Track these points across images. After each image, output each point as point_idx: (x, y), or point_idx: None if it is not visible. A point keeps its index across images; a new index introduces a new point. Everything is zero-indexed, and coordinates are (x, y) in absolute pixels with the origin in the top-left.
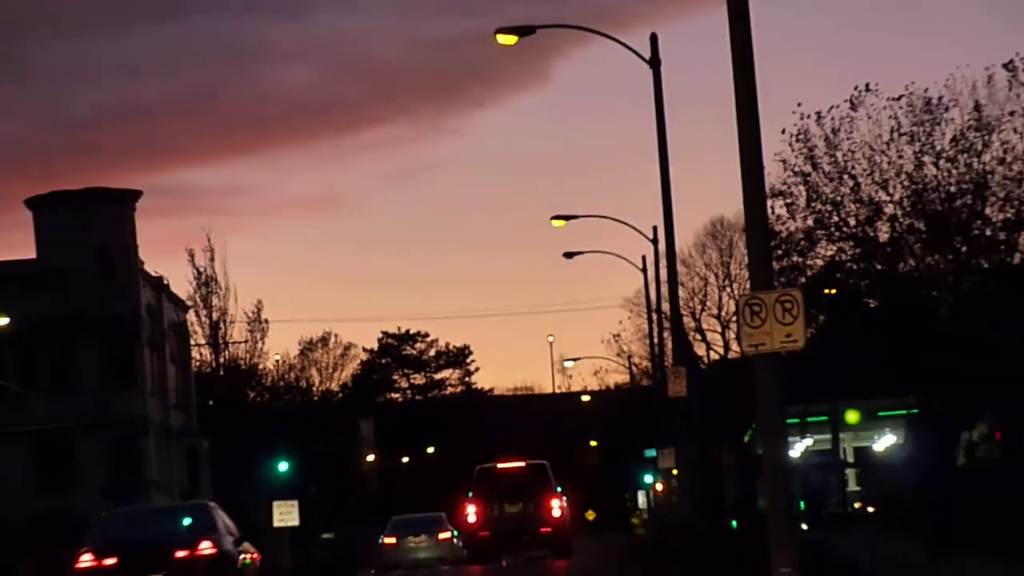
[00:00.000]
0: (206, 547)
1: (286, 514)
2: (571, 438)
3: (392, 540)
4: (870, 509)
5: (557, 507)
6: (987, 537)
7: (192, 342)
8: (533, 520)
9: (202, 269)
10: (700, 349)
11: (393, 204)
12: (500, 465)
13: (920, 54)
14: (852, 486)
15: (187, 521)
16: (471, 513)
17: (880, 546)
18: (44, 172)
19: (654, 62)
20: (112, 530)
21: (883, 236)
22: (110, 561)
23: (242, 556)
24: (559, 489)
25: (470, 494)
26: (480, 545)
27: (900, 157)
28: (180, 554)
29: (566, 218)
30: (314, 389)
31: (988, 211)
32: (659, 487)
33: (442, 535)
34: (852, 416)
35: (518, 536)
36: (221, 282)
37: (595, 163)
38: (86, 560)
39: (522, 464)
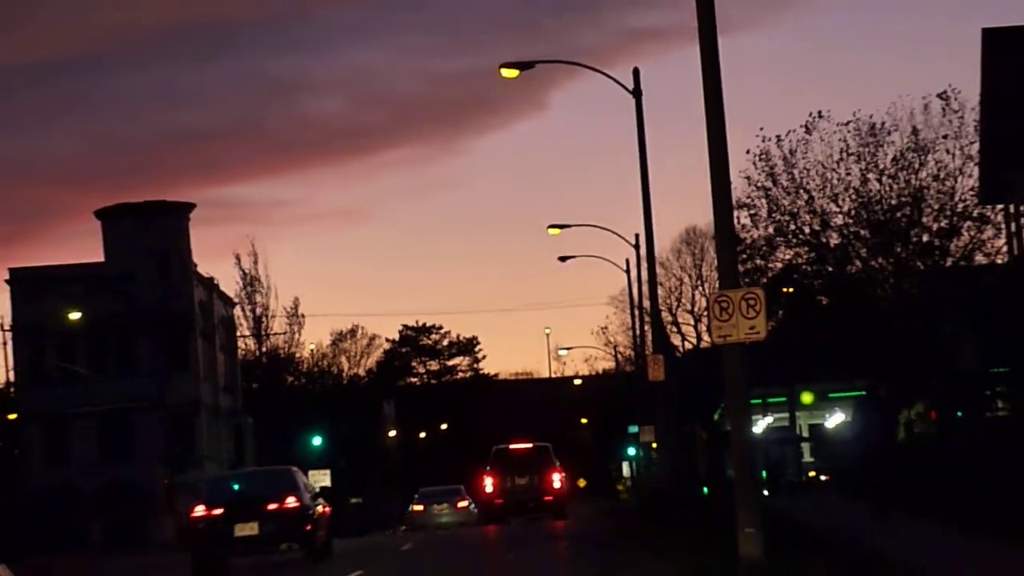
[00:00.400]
0: (291, 501)
1: (319, 482)
2: (565, 416)
3: (420, 508)
4: (822, 478)
5: (558, 480)
6: (923, 504)
7: (238, 333)
8: (538, 490)
9: (247, 270)
10: (676, 340)
11: (411, 215)
12: (512, 446)
13: (865, 85)
14: (807, 458)
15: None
16: (488, 484)
17: (831, 510)
18: (111, 187)
19: (636, 93)
20: (219, 489)
21: (833, 242)
22: (218, 511)
23: (317, 508)
24: (558, 464)
25: (488, 468)
26: (496, 510)
27: (848, 174)
28: (271, 507)
29: (560, 227)
30: (344, 375)
31: (925, 220)
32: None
33: (460, 504)
34: (807, 397)
35: (525, 503)
36: (263, 282)
37: (586, 178)
38: (199, 511)
39: (530, 445)
